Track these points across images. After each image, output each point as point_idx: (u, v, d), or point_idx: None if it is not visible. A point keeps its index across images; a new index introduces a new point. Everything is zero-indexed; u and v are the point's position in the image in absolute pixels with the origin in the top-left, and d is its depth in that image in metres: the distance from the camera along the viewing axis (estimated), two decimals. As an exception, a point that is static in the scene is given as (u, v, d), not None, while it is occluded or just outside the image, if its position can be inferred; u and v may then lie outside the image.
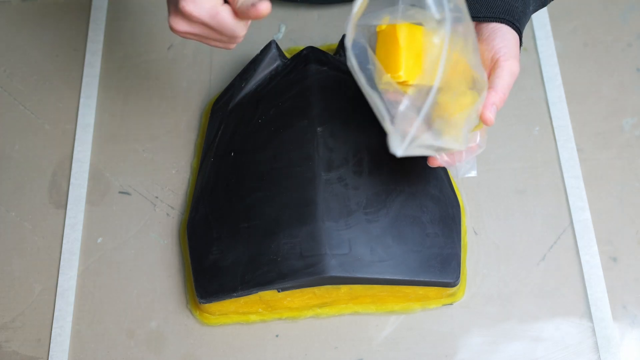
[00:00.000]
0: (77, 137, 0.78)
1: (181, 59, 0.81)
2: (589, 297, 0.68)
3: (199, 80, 0.80)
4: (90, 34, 0.83)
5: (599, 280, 0.69)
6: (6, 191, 0.76)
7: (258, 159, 0.69)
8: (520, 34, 0.60)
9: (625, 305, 0.68)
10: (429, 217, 0.66)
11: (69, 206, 0.74)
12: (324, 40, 0.81)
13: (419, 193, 0.67)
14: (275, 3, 0.83)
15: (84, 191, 0.75)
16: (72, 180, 0.76)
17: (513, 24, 0.59)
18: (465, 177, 0.73)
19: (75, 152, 0.77)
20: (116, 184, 0.75)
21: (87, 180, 0.76)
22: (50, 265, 0.72)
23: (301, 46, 0.76)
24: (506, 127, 0.76)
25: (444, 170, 0.72)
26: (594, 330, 0.67)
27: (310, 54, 0.73)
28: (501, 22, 0.59)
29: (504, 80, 0.57)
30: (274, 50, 0.74)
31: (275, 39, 0.76)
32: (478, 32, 0.60)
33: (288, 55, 0.76)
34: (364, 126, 0.68)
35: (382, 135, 0.68)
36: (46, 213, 0.74)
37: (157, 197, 0.75)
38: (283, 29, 0.82)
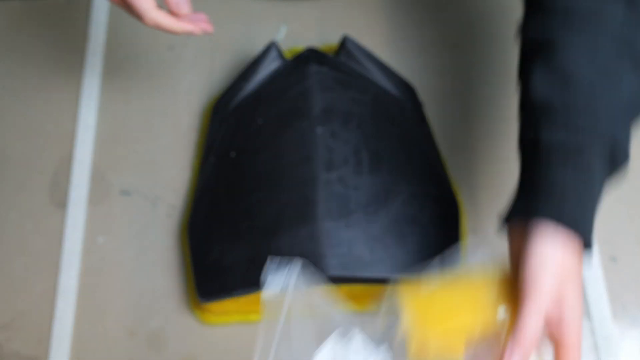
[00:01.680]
0: (78, 137, 0.78)
1: (182, 60, 0.81)
2: (589, 296, 0.68)
3: (200, 80, 0.80)
4: (91, 34, 0.83)
5: (599, 279, 0.69)
6: (6, 191, 0.76)
7: (258, 159, 0.69)
8: (584, 237, 0.41)
9: (625, 305, 0.68)
10: (429, 217, 0.66)
11: (69, 206, 0.74)
12: (324, 40, 0.81)
13: (419, 193, 0.67)
14: (276, 3, 0.83)
15: (84, 191, 0.75)
16: (72, 180, 0.76)
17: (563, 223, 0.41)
18: (465, 177, 0.73)
19: (76, 152, 0.77)
20: (117, 184, 0.76)
21: (88, 180, 0.76)
22: (51, 265, 0.72)
23: (301, 46, 0.76)
24: (505, 127, 0.76)
25: (443, 170, 0.72)
26: (593, 330, 0.67)
27: (311, 55, 0.73)
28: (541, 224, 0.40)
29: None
30: (274, 51, 0.74)
31: (275, 40, 0.76)
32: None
33: (288, 56, 0.76)
34: (364, 126, 0.69)
35: (382, 135, 0.68)
36: (47, 213, 0.74)
37: (157, 197, 0.75)
38: (283, 30, 0.82)
